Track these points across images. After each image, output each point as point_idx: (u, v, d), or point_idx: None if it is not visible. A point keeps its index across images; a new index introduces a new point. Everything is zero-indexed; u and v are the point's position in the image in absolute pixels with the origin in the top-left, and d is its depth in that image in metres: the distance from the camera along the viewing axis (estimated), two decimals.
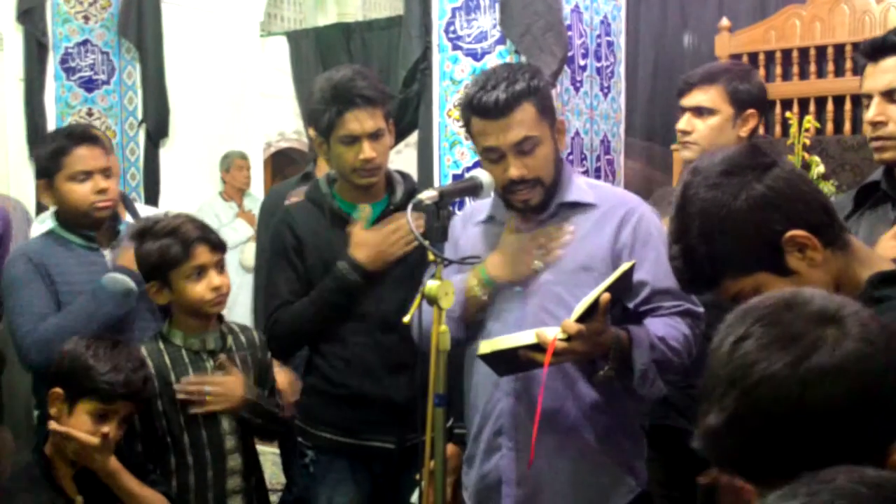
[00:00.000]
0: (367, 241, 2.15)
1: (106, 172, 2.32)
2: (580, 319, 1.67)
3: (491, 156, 1.87)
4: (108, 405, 1.85)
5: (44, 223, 3.09)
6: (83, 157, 2.29)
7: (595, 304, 1.67)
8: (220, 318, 2.20)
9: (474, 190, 1.86)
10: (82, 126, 2.62)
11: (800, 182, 1.30)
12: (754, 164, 1.29)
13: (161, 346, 2.11)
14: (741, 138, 2.28)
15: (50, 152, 2.31)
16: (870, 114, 1.82)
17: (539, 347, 1.69)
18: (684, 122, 2.33)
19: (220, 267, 2.13)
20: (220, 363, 2.12)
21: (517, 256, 1.89)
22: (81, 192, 2.28)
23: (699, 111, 2.32)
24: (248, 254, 4.98)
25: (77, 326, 2.14)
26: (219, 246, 2.13)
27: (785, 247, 1.25)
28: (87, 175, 2.28)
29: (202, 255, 2.07)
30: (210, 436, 2.09)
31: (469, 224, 2.04)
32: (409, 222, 1.68)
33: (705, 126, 2.30)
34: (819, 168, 3.57)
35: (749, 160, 1.30)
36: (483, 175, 1.87)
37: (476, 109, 1.85)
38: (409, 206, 1.72)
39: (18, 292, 2.27)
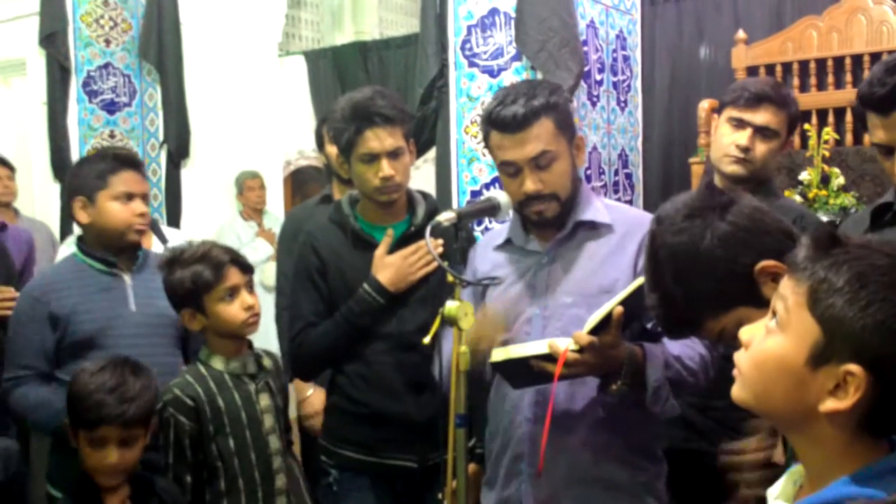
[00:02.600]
0: (390, 264, 2.16)
1: (146, 198, 2.39)
2: (593, 332, 1.67)
3: (508, 170, 1.88)
4: (127, 431, 1.89)
5: (70, 246, 3.12)
6: (129, 179, 2.34)
7: (608, 318, 1.67)
8: (249, 343, 2.23)
9: (492, 211, 1.88)
10: (129, 151, 2.70)
11: (760, 214, 1.35)
12: (714, 205, 1.35)
13: (204, 371, 2.12)
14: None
15: (97, 171, 2.34)
16: None
17: (551, 358, 1.69)
18: (747, 137, 2.20)
19: (250, 287, 2.17)
20: None
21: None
22: (123, 213, 2.32)
23: (765, 132, 2.21)
24: (269, 273, 4.96)
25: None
26: (248, 267, 2.18)
27: (758, 278, 1.29)
28: (130, 197, 2.33)
29: (233, 276, 2.11)
30: (259, 457, 2.11)
31: (488, 249, 2.05)
32: (429, 245, 1.69)
33: (767, 149, 2.22)
34: (839, 179, 3.56)
35: (708, 201, 1.36)
36: (500, 195, 1.88)
37: (494, 123, 1.87)
38: (428, 229, 1.73)
39: (14, 333, 2.32)
